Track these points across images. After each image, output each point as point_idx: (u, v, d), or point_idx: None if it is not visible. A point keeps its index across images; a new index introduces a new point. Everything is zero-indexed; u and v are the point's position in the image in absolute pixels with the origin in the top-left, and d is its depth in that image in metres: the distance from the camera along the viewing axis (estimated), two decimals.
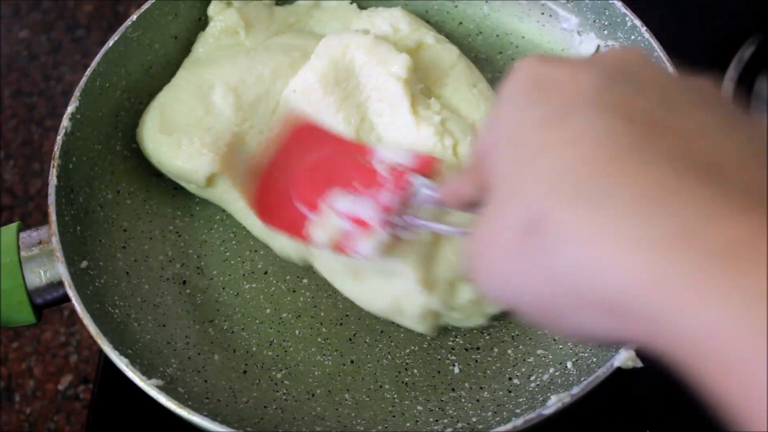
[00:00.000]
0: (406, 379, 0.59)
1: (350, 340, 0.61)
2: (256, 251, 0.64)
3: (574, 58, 0.32)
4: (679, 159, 0.27)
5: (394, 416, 0.58)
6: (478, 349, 0.60)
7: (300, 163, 0.61)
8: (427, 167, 0.58)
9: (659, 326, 0.26)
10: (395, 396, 0.58)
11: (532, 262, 0.30)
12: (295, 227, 0.58)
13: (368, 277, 0.60)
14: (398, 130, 0.62)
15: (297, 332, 0.61)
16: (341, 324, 0.61)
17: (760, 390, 0.24)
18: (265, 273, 0.63)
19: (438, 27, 0.72)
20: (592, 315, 0.29)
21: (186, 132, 0.62)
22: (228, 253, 0.64)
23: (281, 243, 0.62)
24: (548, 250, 0.29)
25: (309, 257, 0.62)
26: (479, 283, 0.35)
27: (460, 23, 0.72)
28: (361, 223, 0.55)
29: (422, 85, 0.65)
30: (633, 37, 0.64)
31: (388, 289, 0.59)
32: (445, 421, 0.57)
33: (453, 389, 0.58)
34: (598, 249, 0.27)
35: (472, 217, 0.39)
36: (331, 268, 0.61)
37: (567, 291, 0.29)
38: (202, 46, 0.68)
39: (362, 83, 0.63)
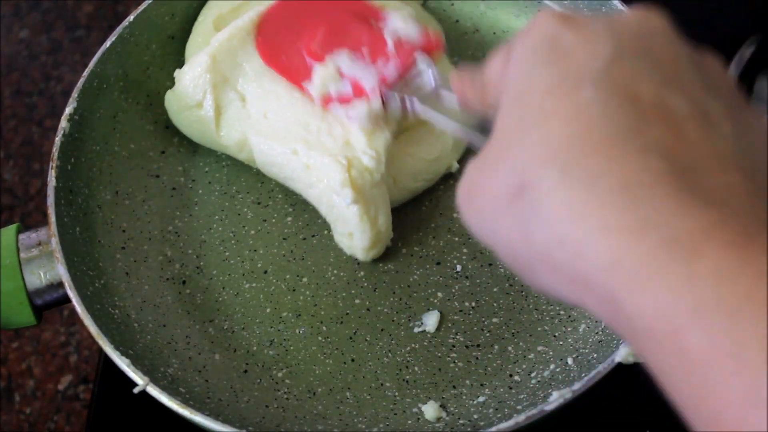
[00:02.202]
0: (407, 377, 0.59)
1: (351, 338, 0.61)
2: (255, 250, 0.64)
3: (593, 20, 0.33)
4: (660, 155, 0.30)
5: (395, 414, 0.58)
6: (478, 346, 0.60)
7: (313, 14, 0.61)
8: (432, 46, 0.59)
9: (615, 304, 0.29)
10: (396, 394, 0.58)
11: (514, 225, 0.33)
12: (294, 74, 0.59)
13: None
14: None
15: (297, 331, 0.61)
16: (341, 322, 0.61)
17: (696, 357, 0.26)
18: (265, 272, 0.63)
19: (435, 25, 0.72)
20: (561, 282, 0.31)
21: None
22: (227, 253, 0.64)
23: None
24: (530, 219, 0.32)
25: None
26: (467, 220, 0.37)
27: (457, 21, 0.72)
28: (358, 88, 0.57)
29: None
30: None
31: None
32: (447, 418, 0.57)
33: (454, 386, 0.58)
34: (573, 227, 0.30)
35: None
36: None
37: (542, 258, 0.32)
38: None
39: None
